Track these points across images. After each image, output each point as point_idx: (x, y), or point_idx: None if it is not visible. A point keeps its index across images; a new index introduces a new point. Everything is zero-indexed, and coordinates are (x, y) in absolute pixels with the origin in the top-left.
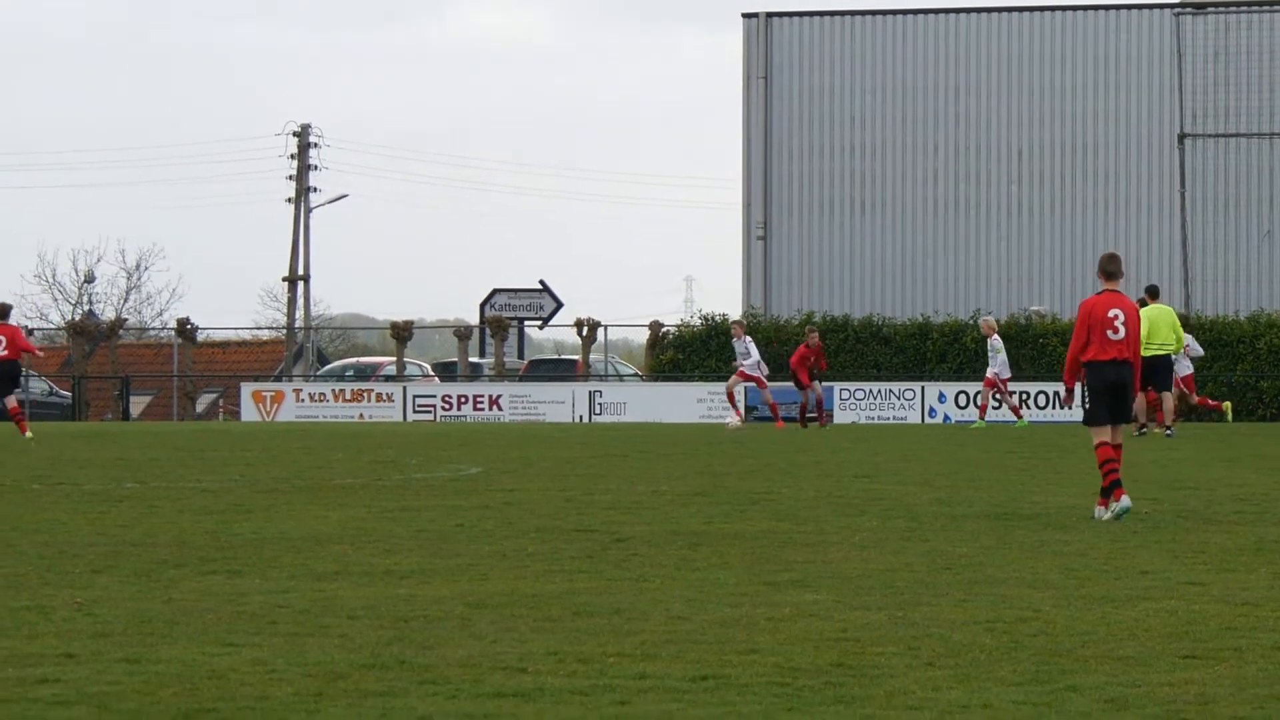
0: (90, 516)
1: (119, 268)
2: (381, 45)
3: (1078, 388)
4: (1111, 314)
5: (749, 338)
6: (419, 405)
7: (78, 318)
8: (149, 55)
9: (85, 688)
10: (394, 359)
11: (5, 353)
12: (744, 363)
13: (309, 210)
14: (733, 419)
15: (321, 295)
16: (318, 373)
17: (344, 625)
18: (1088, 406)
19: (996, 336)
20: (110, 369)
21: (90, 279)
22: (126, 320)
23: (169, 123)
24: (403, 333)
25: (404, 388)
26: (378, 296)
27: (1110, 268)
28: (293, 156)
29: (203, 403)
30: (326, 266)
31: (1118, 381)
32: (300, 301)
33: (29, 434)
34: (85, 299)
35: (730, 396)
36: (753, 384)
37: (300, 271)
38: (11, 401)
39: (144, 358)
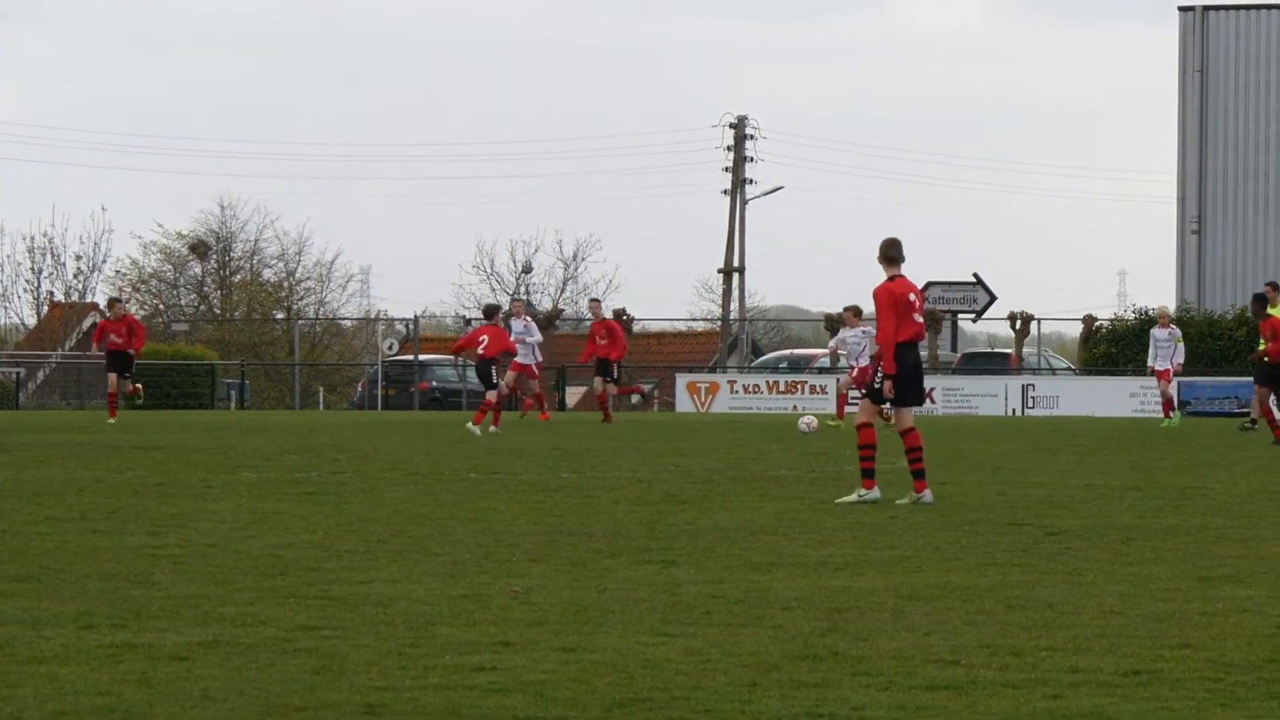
0: (527, 506)
1: (556, 258)
2: (818, 37)
3: None
4: None
5: (529, 318)
6: (850, 397)
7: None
8: (587, 48)
9: (521, 676)
10: (827, 352)
11: (483, 351)
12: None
13: (744, 202)
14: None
15: (756, 287)
16: (752, 364)
17: (778, 616)
18: None
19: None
20: (547, 359)
21: (528, 269)
22: (563, 311)
23: (607, 115)
24: (835, 325)
25: (836, 379)
26: (812, 288)
27: None
28: (729, 148)
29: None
30: (761, 258)
31: None
32: (735, 293)
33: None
34: (523, 289)
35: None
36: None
37: (736, 263)
38: (491, 396)
39: (580, 348)
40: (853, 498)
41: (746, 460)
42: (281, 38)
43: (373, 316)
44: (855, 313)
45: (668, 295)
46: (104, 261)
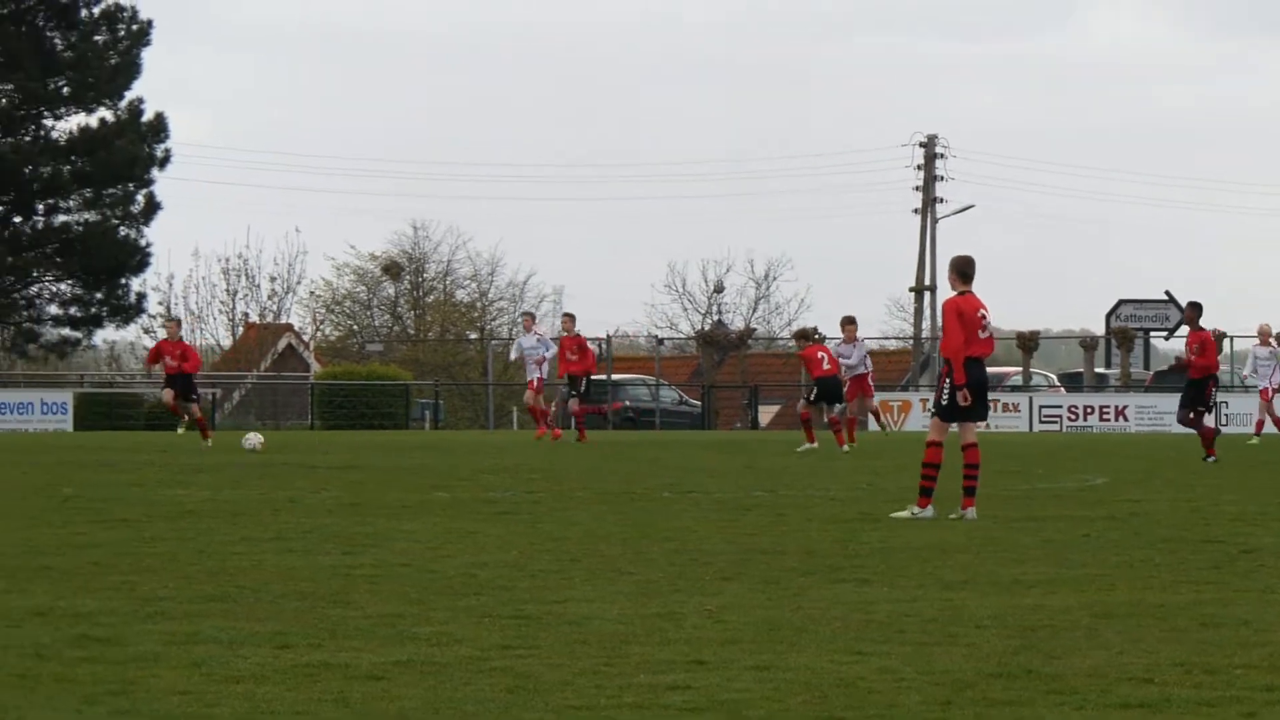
0: (719, 524)
1: (748, 278)
2: (1009, 55)
3: None
4: None
5: (540, 332)
6: (1045, 415)
7: (707, 327)
8: (780, 68)
9: (715, 694)
10: (1020, 369)
11: (828, 368)
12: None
13: (935, 221)
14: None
15: None
16: None
17: (971, 634)
18: None
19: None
20: (739, 378)
21: (719, 289)
22: (755, 330)
23: (798, 133)
24: (1028, 343)
25: (1030, 398)
26: (1004, 307)
27: None
28: (919, 167)
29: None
30: None
31: None
32: (926, 311)
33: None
34: (714, 309)
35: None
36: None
37: (927, 282)
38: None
39: (772, 367)
40: (905, 514)
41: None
42: (475, 60)
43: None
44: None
45: (859, 314)
46: (298, 283)
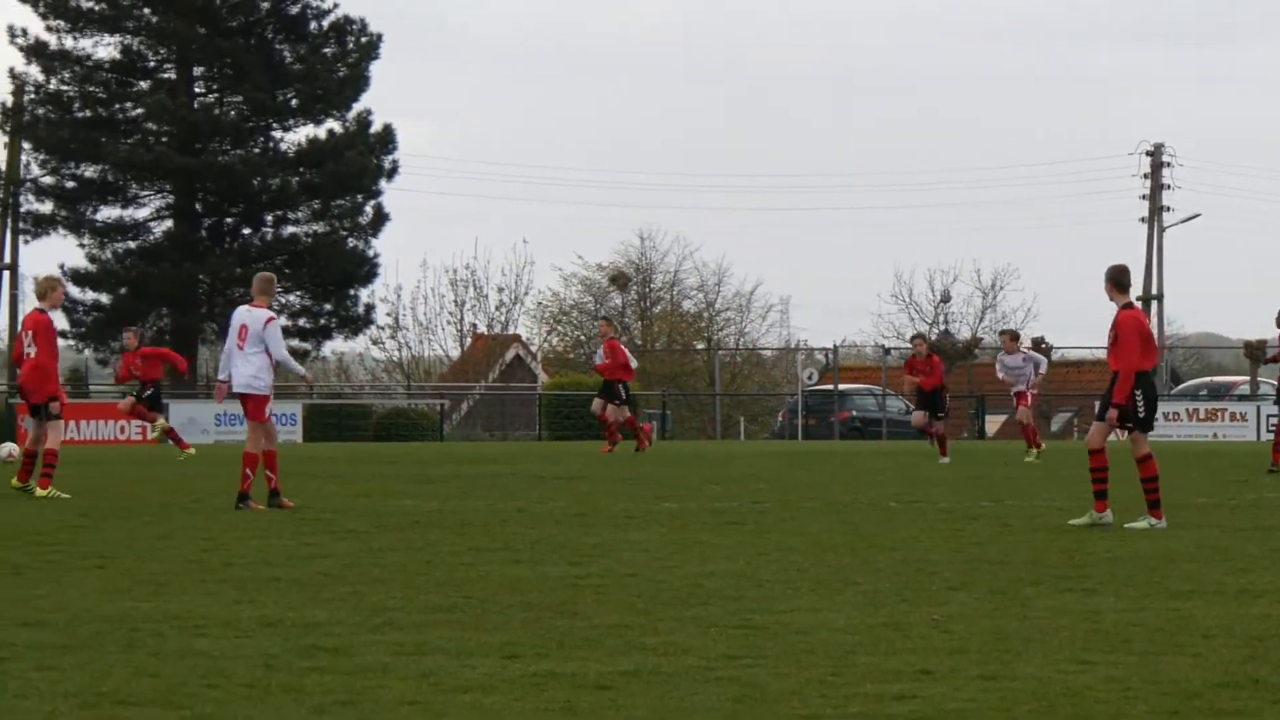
0: (946, 534)
1: (974, 287)
2: (1235, 63)
3: None
4: None
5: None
6: (1273, 425)
7: (934, 337)
8: (1006, 79)
9: (942, 704)
10: (1247, 379)
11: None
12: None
13: (1162, 229)
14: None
15: (1175, 315)
16: (1171, 391)
17: (1198, 644)
18: None
19: None
20: (966, 388)
21: (946, 298)
22: (982, 340)
23: (1025, 142)
24: (1256, 352)
25: (1257, 407)
26: (1231, 316)
27: None
28: (1145, 176)
29: (1058, 421)
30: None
31: None
32: (1154, 321)
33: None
34: (941, 318)
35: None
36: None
37: (1154, 290)
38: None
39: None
40: (1084, 520)
41: (1165, 488)
42: (703, 70)
43: (792, 346)
44: (1013, 337)
45: (1085, 323)
46: (525, 293)
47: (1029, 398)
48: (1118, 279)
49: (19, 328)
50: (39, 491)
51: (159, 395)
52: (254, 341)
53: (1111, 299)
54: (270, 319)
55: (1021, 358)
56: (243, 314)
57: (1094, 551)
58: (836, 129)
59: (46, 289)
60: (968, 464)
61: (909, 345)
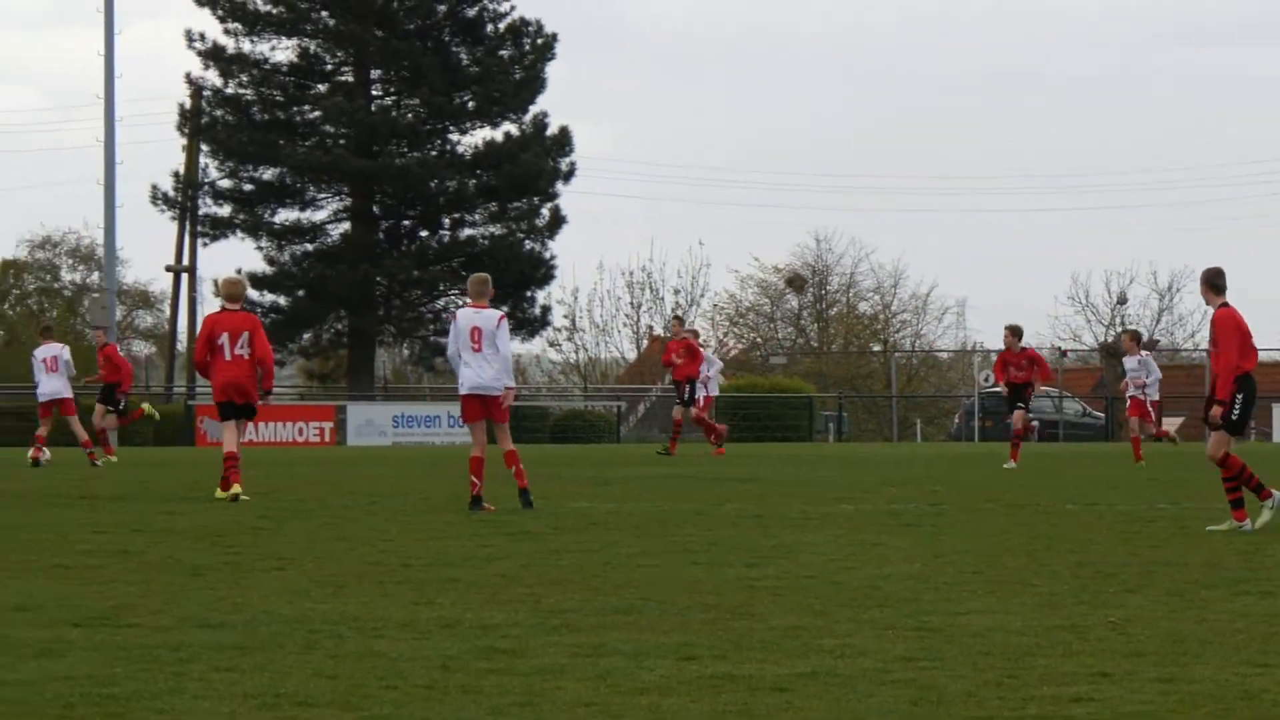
0: (1123, 536)
1: (1151, 289)
2: None
3: None
4: None
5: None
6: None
7: (1109, 339)
8: (1186, 78)
9: (1119, 706)
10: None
11: (1015, 374)
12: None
13: None
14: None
15: None
16: None
17: None
18: None
19: None
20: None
21: (1122, 300)
22: (1158, 342)
23: (1200, 143)
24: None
25: None
26: None
27: None
28: None
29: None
30: None
31: None
32: None
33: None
34: (1118, 320)
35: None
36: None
37: None
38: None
39: (1175, 378)
40: (1223, 527)
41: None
42: (878, 71)
43: (969, 348)
44: (1134, 338)
45: (1258, 326)
46: (702, 295)
47: (1143, 405)
48: (1212, 281)
49: (197, 329)
50: (218, 493)
51: (113, 391)
52: (490, 342)
53: (1208, 302)
54: (502, 317)
55: (1137, 360)
56: (470, 316)
57: (1271, 554)
58: (1010, 129)
59: (240, 290)
60: (1145, 466)
61: (1083, 347)
